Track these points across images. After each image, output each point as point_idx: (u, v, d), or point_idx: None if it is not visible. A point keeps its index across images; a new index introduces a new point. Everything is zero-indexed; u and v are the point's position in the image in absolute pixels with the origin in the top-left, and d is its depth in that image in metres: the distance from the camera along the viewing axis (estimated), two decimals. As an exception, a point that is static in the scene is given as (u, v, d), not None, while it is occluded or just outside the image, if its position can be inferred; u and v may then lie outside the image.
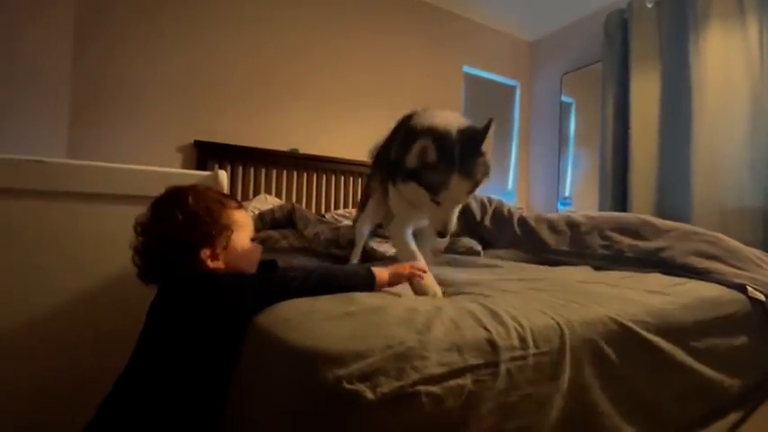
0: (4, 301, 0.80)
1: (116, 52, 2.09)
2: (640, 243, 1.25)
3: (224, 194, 0.78)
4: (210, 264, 0.70)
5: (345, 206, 2.72)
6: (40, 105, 1.79)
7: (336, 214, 2.36)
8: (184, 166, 2.22)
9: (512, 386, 0.53)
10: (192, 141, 2.23)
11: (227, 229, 0.72)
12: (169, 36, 2.21)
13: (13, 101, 1.54)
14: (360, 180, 2.78)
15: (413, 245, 1.01)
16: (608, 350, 0.66)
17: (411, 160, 0.85)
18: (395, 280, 0.80)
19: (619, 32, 2.70)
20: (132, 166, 0.90)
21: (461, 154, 0.83)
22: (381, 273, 0.77)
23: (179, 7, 2.23)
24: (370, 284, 0.75)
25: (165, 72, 2.19)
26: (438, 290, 0.86)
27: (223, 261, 0.71)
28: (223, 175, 0.95)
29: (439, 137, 0.83)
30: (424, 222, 1.06)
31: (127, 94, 2.11)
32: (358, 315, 0.57)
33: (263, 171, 2.43)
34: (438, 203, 0.86)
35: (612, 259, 1.27)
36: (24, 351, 0.82)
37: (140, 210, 0.86)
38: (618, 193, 2.64)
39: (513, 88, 3.64)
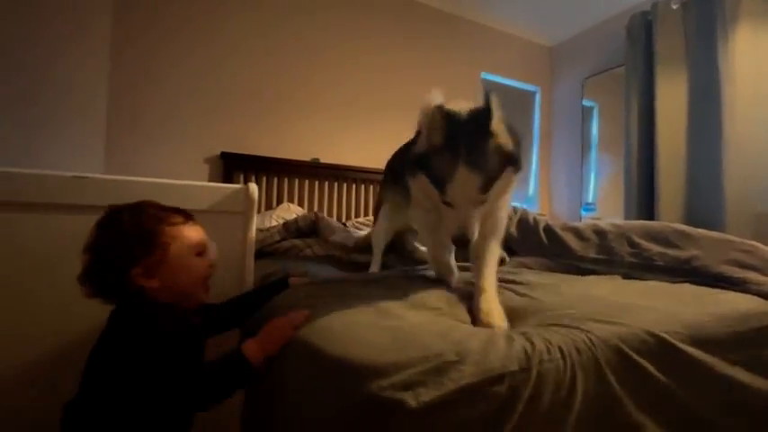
0: (54, 311, 0.84)
1: (149, 70, 2.19)
2: (671, 251, 1.22)
3: (169, 210, 0.74)
4: (144, 282, 0.67)
5: (366, 214, 2.74)
6: (79, 120, 1.88)
7: (357, 222, 2.39)
8: (211, 177, 2.30)
9: (543, 391, 0.54)
10: (219, 153, 2.31)
11: (161, 246, 0.69)
12: (198, 55, 2.30)
13: (52, 116, 1.64)
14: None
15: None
16: (642, 362, 0.65)
17: (420, 143, 0.75)
18: (271, 345, 0.67)
19: (642, 35, 2.65)
20: (169, 181, 0.94)
21: (468, 139, 0.70)
22: (252, 349, 0.66)
23: (207, 28, 2.33)
24: (242, 371, 0.65)
25: (194, 88, 2.28)
26: (498, 320, 0.74)
27: (159, 279, 0.68)
28: (254, 188, 0.98)
29: (446, 114, 0.72)
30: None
31: (158, 110, 2.20)
32: (397, 329, 0.59)
33: (286, 180, 2.49)
34: (449, 204, 0.74)
35: (641, 267, 1.24)
36: (65, 358, 0.85)
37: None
38: (644, 199, 2.58)
39: (532, 94, 3.61)
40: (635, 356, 0.66)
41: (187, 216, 0.75)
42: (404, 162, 0.92)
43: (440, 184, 0.72)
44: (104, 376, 0.62)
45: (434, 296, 0.83)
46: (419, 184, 0.79)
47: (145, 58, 2.18)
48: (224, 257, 0.97)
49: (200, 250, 0.75)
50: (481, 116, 0.71)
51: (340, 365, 0.50)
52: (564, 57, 3.55)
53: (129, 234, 0.68)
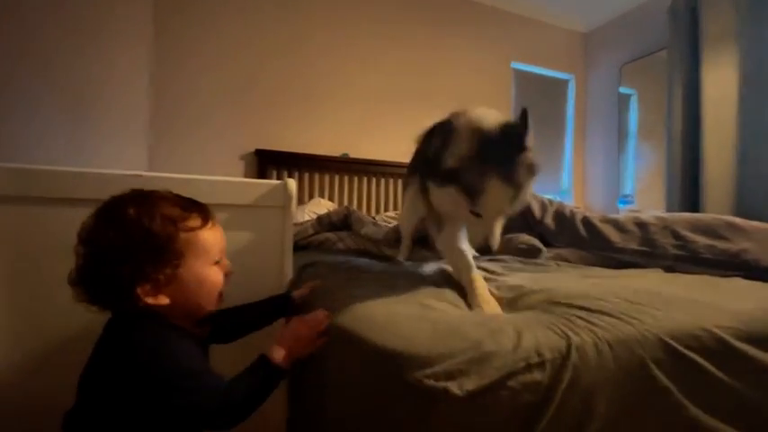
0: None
1: (187, 72, 2.29)
2: (720, 244, 1.17)
3: (185, 207, 0.61)
4: (151, 301, 0.56)
5: (395, 208, 2.76)
6: (124, 120, 1.99)
7: (386, 216, 2.41)
8: (246, 173, 2.39)
9: (581, 379, 0.54)
10: (253, 150, 2.38)
11: (174, 257, 0.57)
12: (232, 56, 2.39)
13: (99, 116, 1.73)
14: (409, 182, 2.81)
15: (468, 256, 0.90)
16: (695, 357, 0.63)
17: (450, 158, 0.75)
18: (297, 350, 0.63)
19: (687, 15, 2.50)
20: (217, 178, 0.98)
21: (503, 153, 0.72)
22: (278, 353, 0.61)
23: (240, 30, 2.41)
24: (270, 372, 0.60)
25: (229, 88, 2.37)
26: (488, 302, 0.75)
27: (169, 295, 0.57)
28: (292, 184, 1.01)
29: (480, 132, 0.73)
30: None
31: (196, 110, 2.30)
32: (436, 320, 0.61)
33: (317, 176, 2.54)
34: (478, 215, 0.74)
35: (687, 260, 1.19)
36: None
37: (221, 217, 0.95)
38: (688, 192, 2.45)
39: (565, 82, 3.50)
40: (686, 351, 0.64)
41: (205, 216, 0.63)
42: (421, 161, 0.93)
43: (472, 196, 0.73)
44: (111, 399, 0.55)
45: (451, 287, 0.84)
46: (447, 195, 0.80)
47: (183, 61, 2.28)
48: (264, 250, 1.01)
49: (218, 258, 0.64)
50: (517, 132, 0.72)
51: (384, 355, 0.52)
52: (599, 43, 3.41)
53: (135, 240, 0.55)
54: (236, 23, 2.39)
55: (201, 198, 0.86)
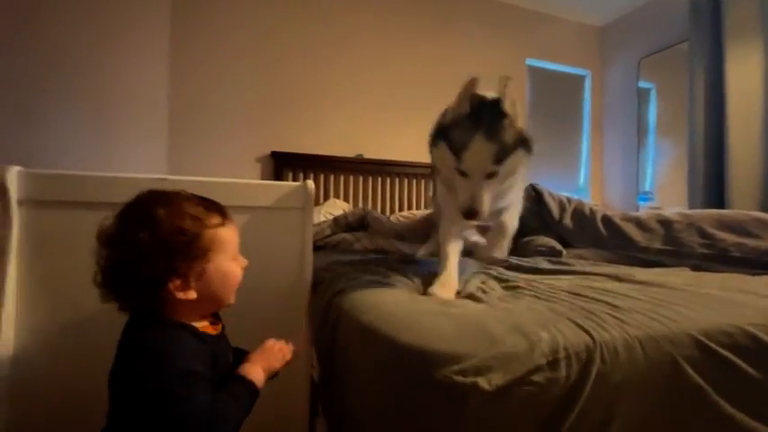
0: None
1: (203, 77, 2.33)
2: (749, 241, 1.13)
3: (206, 207, 0.65)
4: (181, 296, 0.59)
5: (409, 208, 2.76)
6: (144, 124, 2.04)
7: (401, 216, 2.41)
8: (262, 175, 2.42)
9: (611, 374, 0.54)
10: (269, 152, 2.41)
11: (204, 254, 0.61)
12: (247, 61, 2.42)
13: (121, 120, 1.78)
14: (423, 182, 2.81)
15: (452, 248, 0.95)
16: (729, 356, 0.62)
17: (446, 117, 0.87)
18: (272, 366, 0.67)
19: (709, 6, 2.43)
20: (238, 180, 1.00)
21: (490, 116, 0.82)
22: (257, 374, 0.64)
23: (254, 35, 2.44)
24: (254, 395, 0.62)
25: (245, 92, 2.41)
26: (443, 285, 0.82)
27: (196, 290, 0.61)
28: (312, 185, 1.02)
29: (475, 97, 0.85)
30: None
31: (213, 113, 2.34)
32: (459, 317, 0.61)
33: (332, 177, 2.55)
34: (463, 173, 0.82)
35: (715, 259, 1.15)
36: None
37: (242, 219, 0.97)
38: (712, 188, 2.38)
39: (582, 78, 3.43)
40: (718, 349, 0.62)
41: (223, 214, 0.66)
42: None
43: (458, 151, 0.82)
44: (133, 409, 0.56)
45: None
46: (439, 153, 0.88)
47: (199, 66, 2.32)
48: (285, 251, 1.02)
49: (236, 254, 0.68)
50: (498, 99, 0.83)
51: (411, 353, 0.52)
52: (616, 37, 3.34)
53: (168, 239, 0.58)
54: (249, 27, 2.42)
55: (223, 200, 0.87)
